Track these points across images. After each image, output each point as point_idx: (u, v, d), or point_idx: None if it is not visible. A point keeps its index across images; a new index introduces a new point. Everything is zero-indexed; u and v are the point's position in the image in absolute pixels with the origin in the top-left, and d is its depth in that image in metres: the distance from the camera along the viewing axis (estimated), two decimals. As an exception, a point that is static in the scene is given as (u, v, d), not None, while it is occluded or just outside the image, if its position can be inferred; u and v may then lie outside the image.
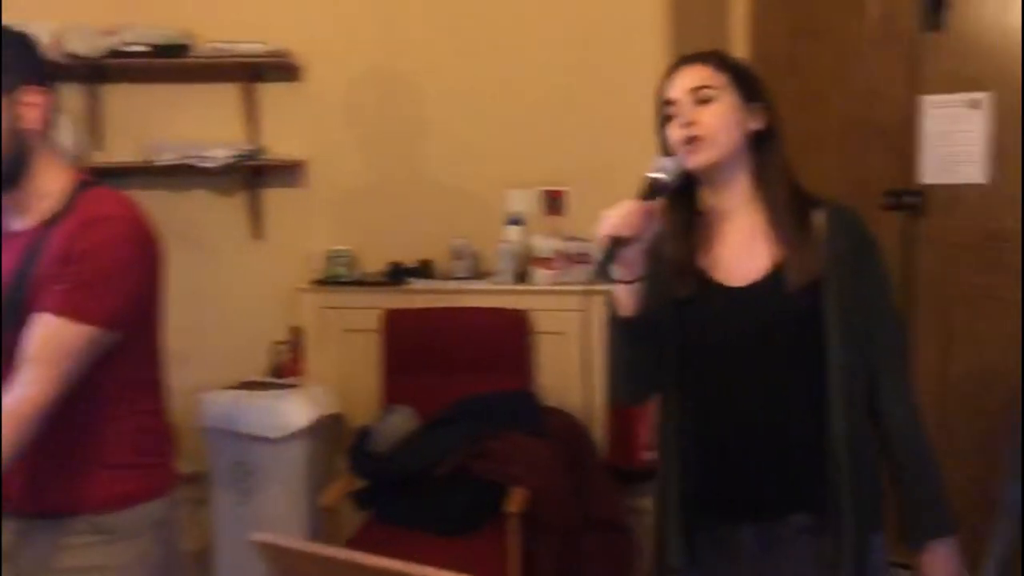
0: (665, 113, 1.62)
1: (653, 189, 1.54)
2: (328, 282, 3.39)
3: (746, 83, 1.62)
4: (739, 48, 3.47)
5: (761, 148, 1.62)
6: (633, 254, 1.51)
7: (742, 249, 1.62)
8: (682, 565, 1.64)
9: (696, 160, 1.58)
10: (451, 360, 3.15)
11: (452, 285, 3.30)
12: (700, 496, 1.63)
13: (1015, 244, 2.97)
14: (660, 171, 1.56)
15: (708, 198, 1.66)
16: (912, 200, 3.16)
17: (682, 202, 1.65)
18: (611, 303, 1.57)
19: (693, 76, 1.60)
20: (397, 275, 3.35)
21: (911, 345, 3.20)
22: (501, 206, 3.43)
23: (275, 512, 3.13)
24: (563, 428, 2.97)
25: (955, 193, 3.08)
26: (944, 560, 1.56)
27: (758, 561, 1.60)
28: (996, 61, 2.97)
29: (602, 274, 1.50)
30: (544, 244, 3.26)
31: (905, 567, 1.57)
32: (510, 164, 3.43)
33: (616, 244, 1.48)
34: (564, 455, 2.87)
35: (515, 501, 2.60)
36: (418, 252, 3.42)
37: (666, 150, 1.62)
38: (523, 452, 2.75)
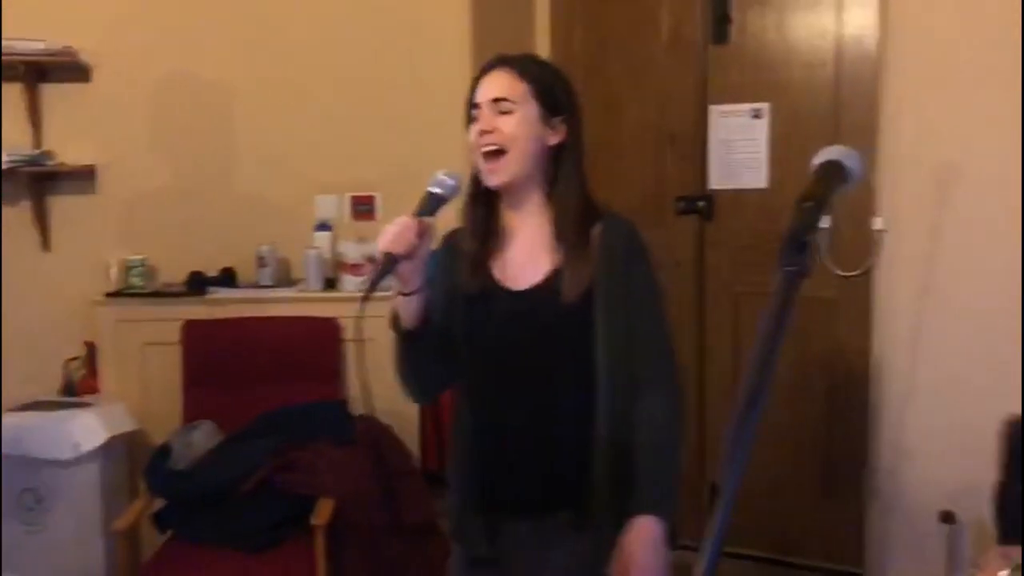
0: (471, 115, 1.65)
1: (430, 204, 1.57)
2: (124, 294, 3.22)
3: (549, 96, 1.65)
4: (542, 56, 3.57)
5: (558, 161, 1.66)
6: (410, 269, 1.53)
7: (527, 255, 1.67)
8: (488, 555, 1.69)
9: (494, 180, 1.63)
10: (257, 371, 3.06)
11: (256, 294, 3.22)
12: (481, 490, 1.69)
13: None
14: (438, 187, 1.58)
15: (503, 205, 1.70)
16: (702, 205, 3.34)
17: (482, 203, 1.69)
18: (393, 313, 1.59)
19: (497, 84, 1.63)
20: (198, 285, 3.23)
21: (694, 344, 3.39)
22: (309, 212, 3.37)
23: (68, 539, 2.95)
24: (373, 435, 2.95)
25: (740, 197, 3.28)
26: (646, 534, 1.54)
27: (530, 554, 1.65)
28: (775, 73, 3.18)
29: (375, 288, 1.49)
30: (353, 250, 3.23)
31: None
32: (318, 169, 3.38)
33: (391, 260, 1.50)
34: (373, 462, 2.85)
35: (321, 512, 2.56)
36: (221, 260, 3.31)
37: (469, 147, 1.65)
38: (330, 462, 2.71)
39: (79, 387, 3.26)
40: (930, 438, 2.67)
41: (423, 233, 1.53)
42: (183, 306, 3.19)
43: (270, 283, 3.24)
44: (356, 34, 3.35)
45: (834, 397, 3.19)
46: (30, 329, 3.33)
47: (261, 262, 3.24)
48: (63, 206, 3.36)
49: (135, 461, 3.12)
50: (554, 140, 1.65)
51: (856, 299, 3.02)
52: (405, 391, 1.69)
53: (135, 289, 3.22)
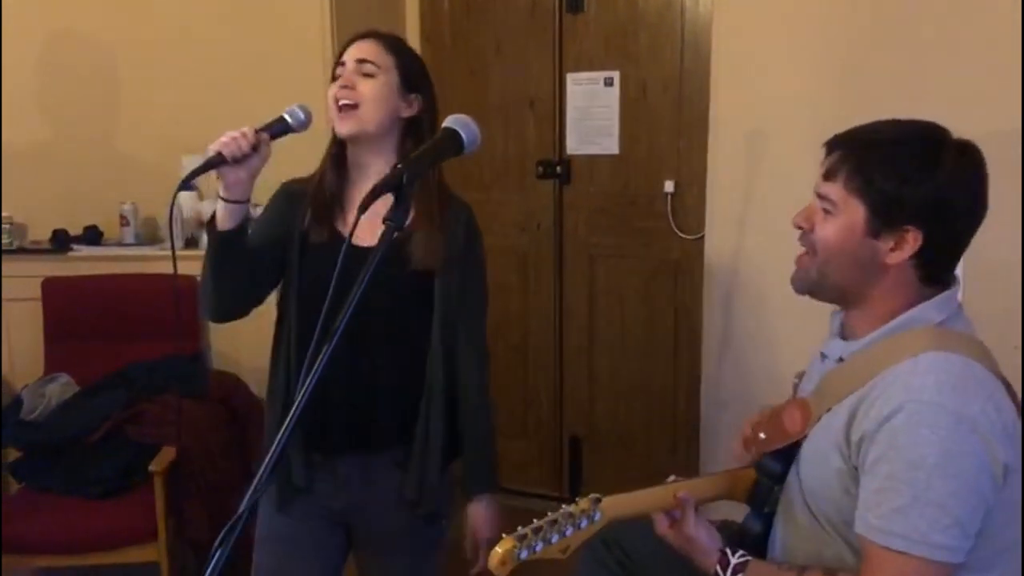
0: (335, 72, 1.78)
1: (275, 126, 1.66)
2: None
3: (410, 72, 1.80)
4: (411, 24, 3.65)
5: (412, 135, 1.79)
6: (235, 176, 1.61)
7: (375, 215, 1.76)
8: (305, 485, 1.81)
9: (343, 127, 1.74)
10: (118, 327, 3.14)
11: (119, 251, 3.29)
12: (306, 426, 1.79)
13: (642, 208, 3.34)
14: (289, 115, 1.67)
15: (353, 167, 1.81)
16: (560, 170, 3.46)
17: (337, 161, 1.81)
18: (212, 216, 1.68)
19: (365, 49, 1.77)
20: (62, 242, 3.30)
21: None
22: (176, 172, 3.43)
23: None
24: (228, 389, 3.06)
25: (594, 163, 3.41)
26: (486, 512, 1.85)
27: (356, 488, 1.81)
28: (625, 42, 3.29)
29: (194, 177, 1.60)
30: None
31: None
32: (185, 129, 3.43)
33: (216, 159, 1.58)
34: (223, 415, 2.96)
35: (160, 460, 2.66)
36: (88, 219, 3.38)
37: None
38: (176, 414, 2.81)
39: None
40: (741, 391, 2.83)
41: (257, 146, 1.61)
42: (46, 263, 3.26)
43: (133, 241, 3.31)
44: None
45: (678, 354, 3.35)
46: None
47: (124, 220, 3.31)
48: (-71, 163, 3.40)
49: (-2, 414, 3.20)
50: (408, 113, 1.79)
51: (696, 260, 3.17)
52: (202, 305, 1.79)
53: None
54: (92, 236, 3.35)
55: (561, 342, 3.58)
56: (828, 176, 1.38)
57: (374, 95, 1.74)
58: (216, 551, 0.96)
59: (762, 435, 1.51)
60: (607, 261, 3.45)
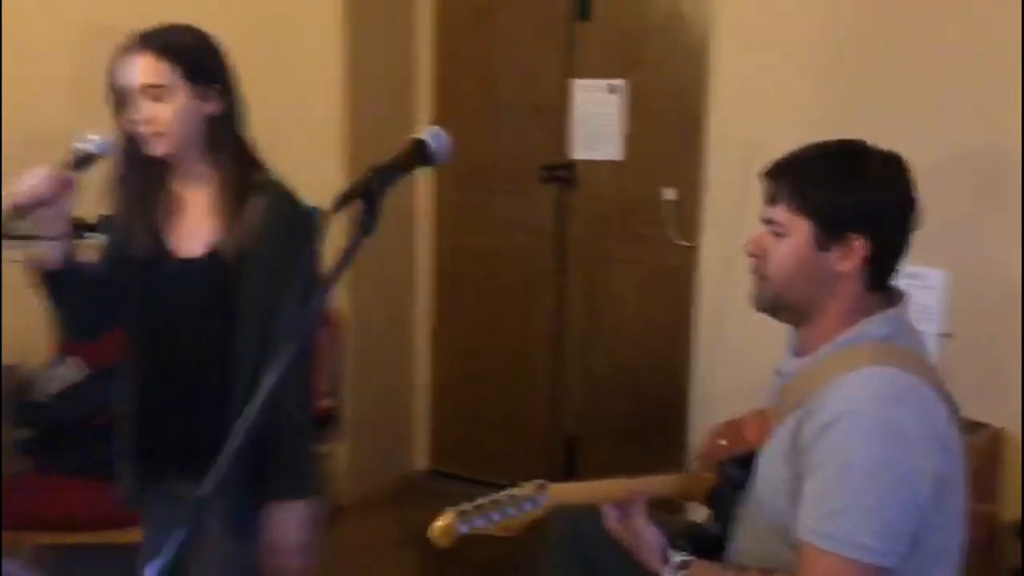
0: (120, 100, 1.69)
1: (77, 160, 1.64)
2: (5, 236, 3.36)
3: (199, 70, 1.70)
4: (424, 34, 3.70)
5: (216, 129, 1.72)
6: (48, 216, 1.61)
7: (193, 222, 1.73)
8: (140, 501, 1.84)
9: (156, 150, 1.69)
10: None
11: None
12: (140, 446, 1.79)
13: (643, 214, 3.39)
14: (88, 144, 1.66)
15: (172, 173, 1.76)
16: (564, 174, 3.52)
17: (146, 169, 1.74)
18: (38, 256, 1.68)
19: (144, 71, 1.66)
20: (77, 231, 3.37)
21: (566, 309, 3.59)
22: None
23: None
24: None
25: (597, 168, 3.47)
26: (291, 520, 1.66)
27: (175, 510, 1.60)
28: (631, 51, 3.35)
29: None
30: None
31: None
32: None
33: (17, 213, 1.59)
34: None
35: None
36: (101, 208, 3.46)
37: (121, 127, 1.71)
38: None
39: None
40: (732, 396, 2.87)
41: (65, 186, 1.61)
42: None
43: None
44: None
45: (674, 359, 3.40)
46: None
47: (137, 211, 3.40)
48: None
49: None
50: (210, 109, 1.71)
51: (695, 267, 3.22)
52: (61, 332, 1.80)
53: (14, 232, 3.35)
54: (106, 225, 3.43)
55: (560, 345, 3.64)
56: (771, 201, 1.46)
57: (176, 116, 1.67)
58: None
59: (723, 441, 1.58)
60: (607, 266, 3.51)
